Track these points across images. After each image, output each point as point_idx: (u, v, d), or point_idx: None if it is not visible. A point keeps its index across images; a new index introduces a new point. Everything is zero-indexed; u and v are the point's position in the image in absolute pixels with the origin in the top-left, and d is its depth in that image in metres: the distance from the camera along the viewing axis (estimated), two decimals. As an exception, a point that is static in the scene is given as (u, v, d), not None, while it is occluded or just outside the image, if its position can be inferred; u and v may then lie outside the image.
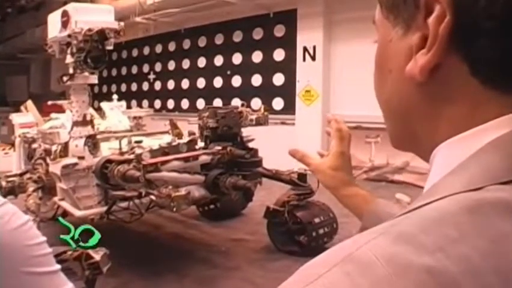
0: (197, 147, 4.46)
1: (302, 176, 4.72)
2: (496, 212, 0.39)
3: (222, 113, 4.66)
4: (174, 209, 3.52)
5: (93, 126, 4.17)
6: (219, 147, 4.31)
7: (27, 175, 4.45)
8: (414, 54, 0.49)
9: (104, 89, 13.29)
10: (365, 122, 7.47)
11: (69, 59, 3.90)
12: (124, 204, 3.95)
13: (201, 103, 10.70)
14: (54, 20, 4.16)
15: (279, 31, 9.42)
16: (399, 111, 0.56)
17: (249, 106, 5.47)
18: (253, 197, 5.69)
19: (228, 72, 10.43)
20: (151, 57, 12.45)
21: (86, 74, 3.91)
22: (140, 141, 4.44)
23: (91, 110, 4.39)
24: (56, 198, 4.22)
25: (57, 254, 0.81)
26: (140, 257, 4.50)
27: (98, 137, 4.21)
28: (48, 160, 4.32)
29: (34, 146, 4.88)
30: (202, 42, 11.01)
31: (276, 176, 4.86)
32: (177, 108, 11.70)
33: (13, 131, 5.70)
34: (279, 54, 9.46)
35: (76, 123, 4.03)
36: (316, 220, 4.50)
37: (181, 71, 11.59)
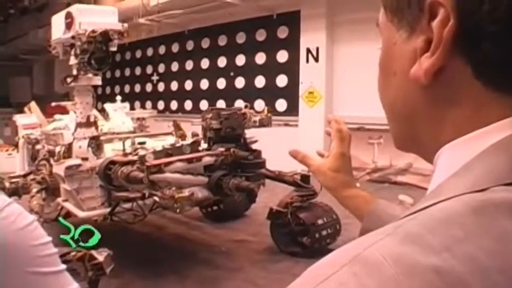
0: (200, 148, 4.46)
1: (305, 178, 4.71)
2: (501, 212, 0.40)
3: (225, 114, 4.66)
4: (177, 210, 3.52)
5: (97, 128, 4.18)
6: (223, 149, 4.31)
7: (31, 176, 4.47)
8: (418, 57, 0.50)
9: (108, 90, 13.31)
10: (367, 123, 7.47)
11: (73, 61, 3.91)
12: (127, 205, 3.96)
13: (204, 104, 10.70)
14: (58, 21, 4.17)
15: (282, 32, 9.42)
16: (403, 114, 0.56)
17: (252, 107, 5.47)
18: (257, 199, 5.69)
19: (231, 74, 10.43)
20: (155, 59, 12.46)
21: (90, 75, 3.92)
22: (143, 143, 4.45)
23: (94, 112, 4.40)
24: (59, 199, 4.23)
25: (61, 255, 0.82)
26: (142, 258, 4.51)
27: (102, 138, 4.22)
28: (51, 161, 4.33)
29: (38, 147, 4.89)
30: (205, 43, 11.02)
31: (279, 177, 4.86)
32: (180, 109, 11.70)
33: (17, 132, 5.71)
34: (282, 56, 9.46)
35: (79, 125, 4.04)
36: (320, 221, 4.50)
37: (184, 72, 11.59)
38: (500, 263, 0.37)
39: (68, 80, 3.95)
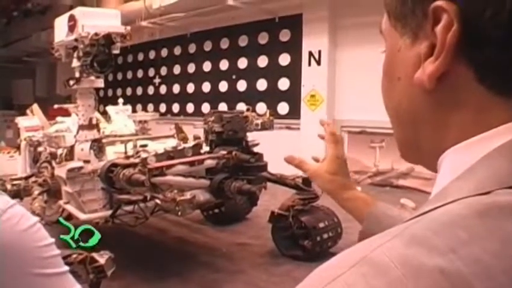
0: (202, 151, 4.45)
1: (307, 181, 4.70)
2: (505, 215, 0.40)
3: (227, 117, 4.67)
4: (179, 213, 3.53)
5: (99, 130, 4.19)
6: (224, 152, 4.31)
7: (33, 178, 4.47)
8: (422, 62, 0.50)
9: (110, 92, 13.32)
10: (369, 126, 7.48)
11: (75, 63, 3.92)
12: (129, 207, 3.96)
13: (206, 107, 10.70)
14: (61, 24, 4.18)
15: (285, 36, 9.42)
16: (407, 118, 0.57)
17: (254, 110, 5.47)
18: (258, 202, 5.69)
19: (233, 77, 10.43)
20: (157, 61, 12.47)
21: (92, 78, 3.93)
22: (145, 145, 4.44)
23: (96, 114, 4.41)
24: (61, 202, 4.22)
25: (62, 257, 0.82)
26: (144, 261, 4.51)
27: (104, 140, 4.22)
28: (53, 163, 4.34)
29: (40, 149, 4.89)
30: (207, 46, 11.02)
31: (280, 180, 4.85)
32: (182, 112, 11.70)
33: (19, 134, 5.71)
34: (284, 59, 9.46)
35: (81, 127, 4.04)
36: (321, 225, 4.49)
37: (186, 75, 11.60)
38: (505, 265, 0.38)
39: (71, 82, 3.95)
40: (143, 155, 3.89)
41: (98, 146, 3.95)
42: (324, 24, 8.56)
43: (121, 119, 5.97)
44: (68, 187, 3.96)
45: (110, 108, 6.20)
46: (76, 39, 3.84)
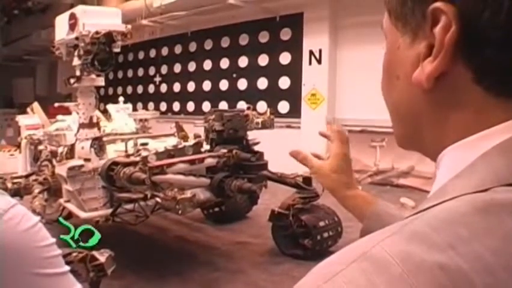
0: (203, 150, 4.46)
1: (307, 180, 4.71)
2: (505, 212, 0.41)
3: (228, 116, 4.67)
4: (179, 212, 3.53)
5: (99, 129, 4.18)
6: (225, 150, 4.32)
7: (33, 177, 4.47)
8: (421, 62, 0.50)
9: (110, 91, 13.32)
10: (370, 125, 7.47)
11: (76, 62, 3.91)
12: (129, 206, 3.96)
13: (206, 106, 10.70)
14: (61, 22, 4.18)
15: (285, 34, 9.42)
16: (406, 116, 0.57)
17: (254, 109, 5.47)
18: (258, 200, 5.70)
19: (234, 75, 10.43)
20: (157, 60, 12.47)
21: (93, 76, 3.93)
22: (146, 144, 4.45)
23: (97, 112, 4.40)
24: (61, 200, 4.23)
25: (62, 256, 0.82)
26: (144, 259, 4.51)
27: (104, 139, 4.22)
28: (54, 162, 4.34)
29: (40, 147, 4.89)
30: (208, 45, 11.02)
31: (281, 179, 4.85)
32: (183, 110, 11.70)
33: (19, 132, 5.72)
34: (285, 58, 9.46)
35: (82, 125, 4.04)
36: (321, 224, 4.49)
37: (187, 73, 11.60)
38: (505, 262, 0.38)
39: (71, 80, 3.95)
40: (144, 153, 3.88)
41: (98, 145, 3.95)
42: (324, 23, 8.56)
43: (121, 117, 5.97)
44: (69, 185, 3.96)
45: (110, 107, 6.20)
46: (76, 38, 3.84)
